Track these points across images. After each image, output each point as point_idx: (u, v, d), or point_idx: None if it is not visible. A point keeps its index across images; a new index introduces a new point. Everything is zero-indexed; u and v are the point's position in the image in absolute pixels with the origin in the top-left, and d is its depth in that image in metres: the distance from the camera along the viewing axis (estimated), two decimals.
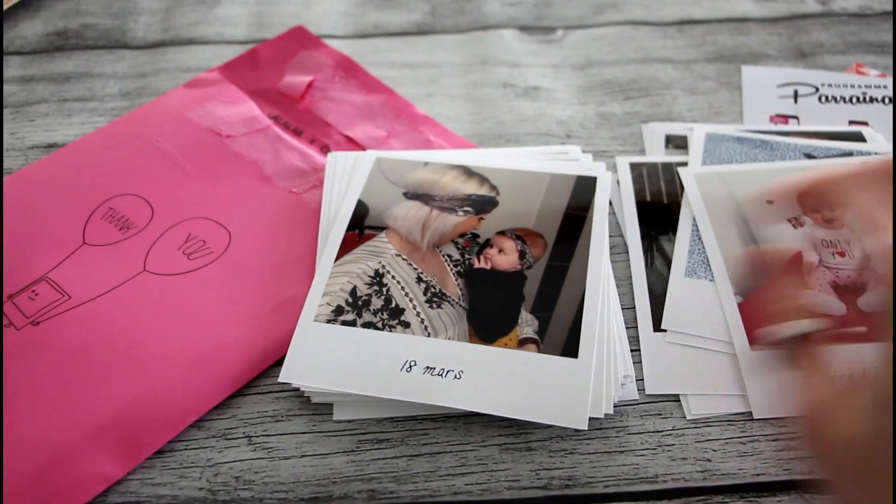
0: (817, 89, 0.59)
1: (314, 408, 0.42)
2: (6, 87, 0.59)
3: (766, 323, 0.34)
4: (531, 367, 0.41)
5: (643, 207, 0.51)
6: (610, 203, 0.51)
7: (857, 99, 0.58)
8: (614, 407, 0.41)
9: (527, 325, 0.43)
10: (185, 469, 0.39)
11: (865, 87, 0.59)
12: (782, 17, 0.66)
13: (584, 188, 0.49)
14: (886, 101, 0.58)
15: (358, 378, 0.40)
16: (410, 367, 0.41)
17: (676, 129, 0.56)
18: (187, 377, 0.42)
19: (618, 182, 0.53)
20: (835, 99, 0.58)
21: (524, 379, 0.40)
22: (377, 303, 0.44)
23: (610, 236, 0.49)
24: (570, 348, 0.41)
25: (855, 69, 0.61)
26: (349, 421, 0.41)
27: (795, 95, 0.59)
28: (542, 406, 0.39)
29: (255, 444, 0.40)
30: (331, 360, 0.41)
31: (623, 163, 0.54)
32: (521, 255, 0.46)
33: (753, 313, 0.43)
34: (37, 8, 0.66)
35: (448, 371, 0.41)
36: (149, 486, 0.39)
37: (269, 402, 0.42)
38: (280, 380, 0.41)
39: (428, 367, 0.41)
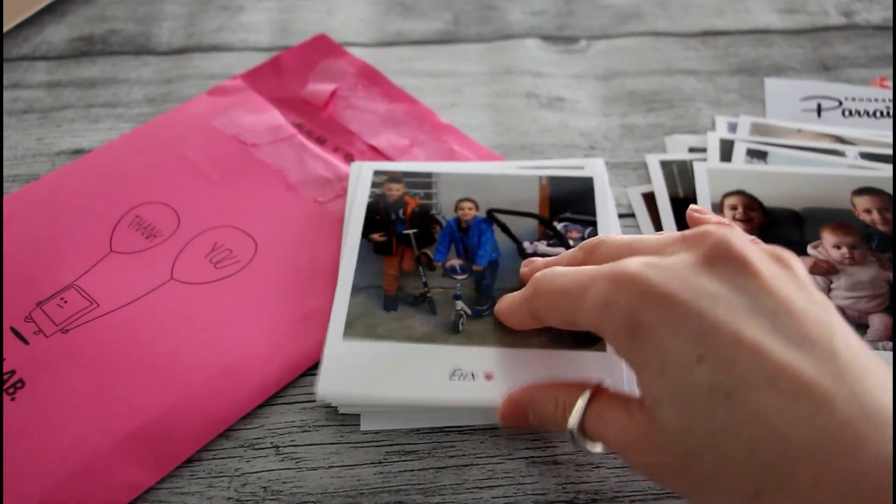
0: (841, 103, 0.59)
1: (341, 418, 0.42)
2: (33, 93, 0.60)
3: None
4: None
5: (676, 204, 0.52)
6: (633, 215, 0.52)
7: (881, 113, 0.58)
8: None
9: None
10: (213, 479, 0.40)
11: (889, 101, 0.59)
12: (805, 30, 0.66)
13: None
14: (891, 114, 0.58)
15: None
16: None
17: (700, 141, 0.56)
18: (216, 387, 0.42)
19: (643, 196, 0.53)
20: (858, 113, 0.58)
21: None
22: None
23: None
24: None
25: (879, 83, 0.61)
26: (376, 432, 0.41)
27: (819, 109, 0.59)
28: None
29: (282, 454, 0.40)
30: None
31: (653, 160, 0.54)
32: None
33: None
34: (62, 13, 0.67)
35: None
36: (177, 495, 0.39)
37: (296, 413, 0.42)
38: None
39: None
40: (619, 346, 0.31)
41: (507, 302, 0.42)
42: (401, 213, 0.49)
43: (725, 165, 0.53)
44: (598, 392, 0.35)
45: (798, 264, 0.32)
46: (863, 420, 0.25)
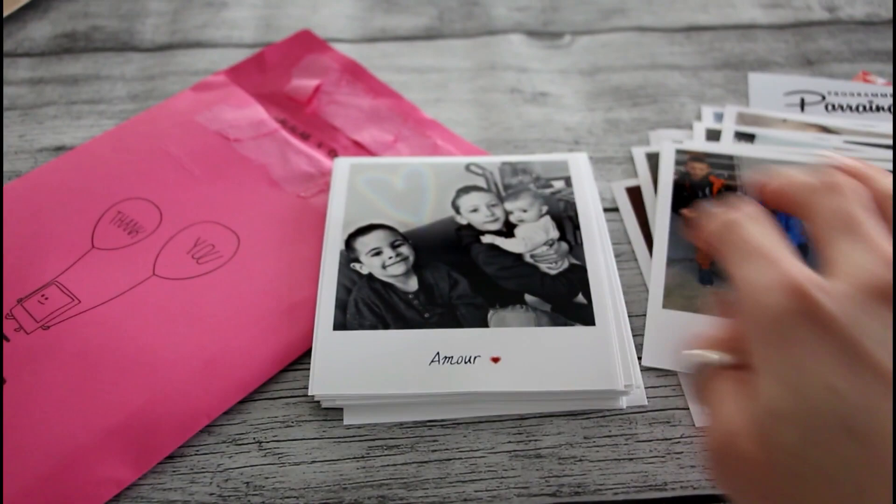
0: (824, 97, 0.59)
1: (324, 413, 0.42)
2: (15, 89, 0.59)
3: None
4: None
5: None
6: (616, 210, 0.52)
7: (864, 108, 0.58)
8: (623, 413, 0.42)
9: None
10: (195, 474, 0.39)
11: (872, 95, 0.59)
12: (789, 25, 0.66)
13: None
14: (892, 110, 0.58)
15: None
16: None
17: (684, 135, 0.56)
18: (198, 382, 0.42)
19: (627, 190, 0.53)
20: (841, 107, 0.58)
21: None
22: None
23: (616, 244, 0.50)
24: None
25: (862, 77, 0.61)
26: (359, 427, 0.41)
27: (802, 104, 0.59)
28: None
29: (265, 449, 0.40)
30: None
31: (639, 153, 0.55)
32: None
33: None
34: (45, 9, 0.66)
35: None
36: (159, 490, 0.39)
37: (279, 408, 0.42)
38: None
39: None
40: (754, 337, 0.30)
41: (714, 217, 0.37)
42: (707, 191, 0.51)
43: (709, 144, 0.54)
44: (739, 367, 0.32)
45: None
46: None
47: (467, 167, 0.52)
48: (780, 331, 0.29)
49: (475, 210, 0.49)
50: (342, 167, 0.52)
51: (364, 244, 0.47)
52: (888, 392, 0.26)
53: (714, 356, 0.33)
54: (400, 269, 0.46)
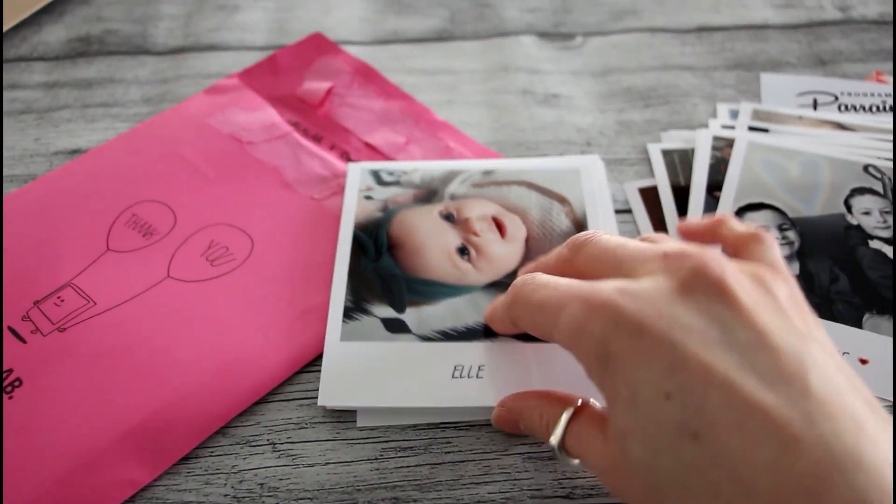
0: (837, 98, 0.59)
1: (337, 415, 0.42)
2: (31, 93, 0.60)
3: None
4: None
5: (677, 192, 0.52)
6: (630, 211, 0.52)
7: (877, 108, 0.58)
8: None
9: None
10: (210, 476, 0.40)
11: (885, 95, 0.59)
12: (802, 25, 0.66)
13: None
14: (892, 109, 0.58)
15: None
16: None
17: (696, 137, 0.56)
18: (213, 384, 0.42)
19: (640, 191, 0.53)
20: (854, 108, 0.58)
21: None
22: None
23: None
24: None
25: (875, 77, 0.61)
26: (372, 428, 0.41)
27: (815, 104, 0.59)
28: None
29: (279, 451, 0.41)
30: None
31: (655, 149, 0.55)
32: None
33: None
34: (60, 13, 0.67)
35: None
36: (174, 492, 0.39)
37: (292, 410, 0.42)
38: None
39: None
40: (590, 372, 0.31)
41: (492, 306, 0.42)
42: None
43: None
44: (580, 410, 0.35)
45: (780, 285, 0.31)
46: (829, 464, 0.25)
47: (865, 168, 0.52)
48: (603, 352, 0.30)
49: (867, 213, 0.50)
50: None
51: (752, 220, 0.49)
52: (709, 384, 0.27)
53: (563, 415, 0.35)
54: (784, 251, 0.47)
